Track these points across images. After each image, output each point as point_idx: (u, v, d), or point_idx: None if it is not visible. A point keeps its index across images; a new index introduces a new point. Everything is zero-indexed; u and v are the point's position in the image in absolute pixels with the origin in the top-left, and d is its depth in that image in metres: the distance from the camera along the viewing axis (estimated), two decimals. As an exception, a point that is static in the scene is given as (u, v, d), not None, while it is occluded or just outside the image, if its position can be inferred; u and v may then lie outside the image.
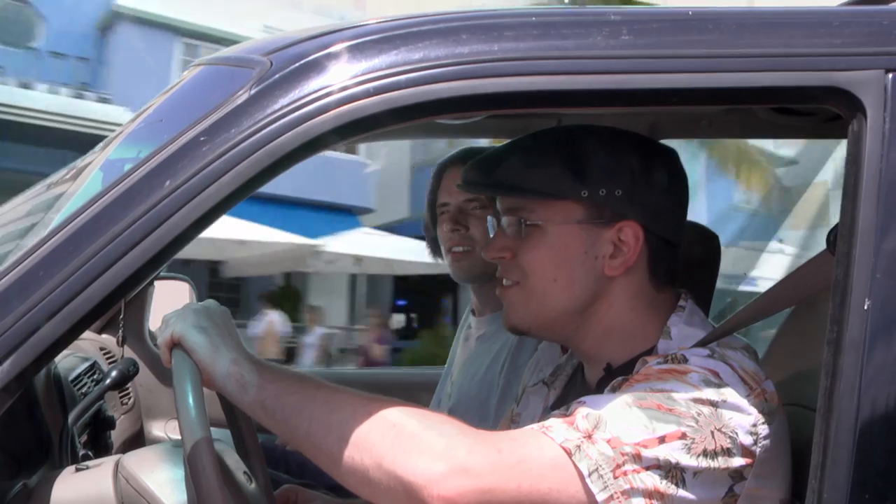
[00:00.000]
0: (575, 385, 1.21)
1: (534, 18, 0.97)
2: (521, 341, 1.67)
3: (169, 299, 2.35)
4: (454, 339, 1.98)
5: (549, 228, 1.08)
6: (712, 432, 0.91)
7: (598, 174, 1.06)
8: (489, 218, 1.13)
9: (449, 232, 1.80)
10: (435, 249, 1.90)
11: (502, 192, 1.13)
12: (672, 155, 1.14)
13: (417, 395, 1.71)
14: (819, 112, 1.36)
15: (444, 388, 1.88)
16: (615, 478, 0.88)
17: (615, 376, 1.03)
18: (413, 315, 16.68)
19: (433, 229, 1.87)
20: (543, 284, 1.09)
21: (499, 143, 1.38)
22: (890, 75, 0.93)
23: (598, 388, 1.07)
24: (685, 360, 0.98)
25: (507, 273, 1.13)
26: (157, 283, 2.35)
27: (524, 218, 1.09)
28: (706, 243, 1.58)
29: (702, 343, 1.03)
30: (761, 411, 0.94)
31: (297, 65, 0.94)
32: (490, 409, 1.65)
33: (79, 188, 1.09)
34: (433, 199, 1.85)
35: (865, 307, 0.90)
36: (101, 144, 1.26)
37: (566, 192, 1.07)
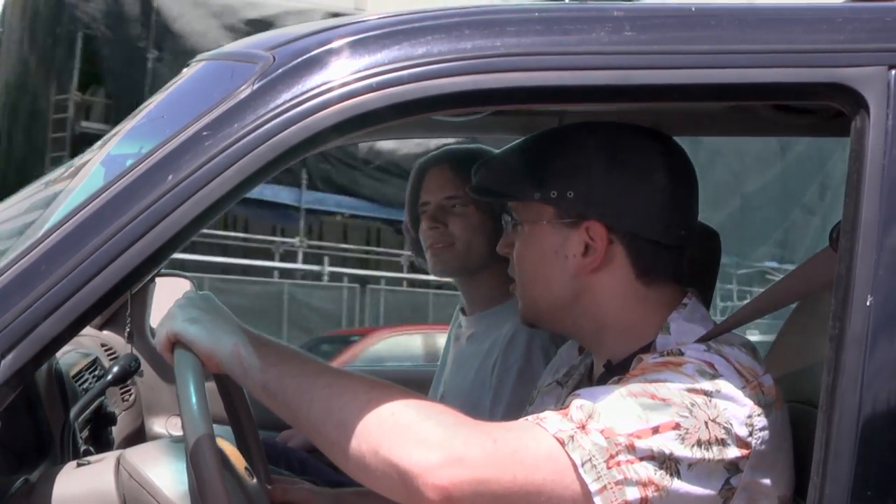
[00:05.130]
0: (584, 383, 1.21)
1: (536, 14, 0.97)
2: (511, 341, 1.67)
3: (170, 297, 2.34)
4: (446, 341, 1.98)
5: (526, 228, 1.13)
6: (706, 423, 0.91)
7: (550, 176, 1.09)
8: (505, 216, 1.17)
9: (428, 230, 1.80)
10: (417, 249, 1.90)
11: (482, 194, 1.22)
12: (657, 153, 1.12)
13: (415, 391, 1.71)
14: (821, 110, 1.36)
15: (438, 390, 1.88)
16: (608, 468, 0.88)
17: (615, 373, 1.03)
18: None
19: (414, 230, 1.87)
20: (527, 281, 1.14)
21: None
22: (893, 72, 0.93)
23: (600, 384, 1.07)
24: (681, 353, 0.98)
25: (511, 269, 1.18)
26: (158, 280, 2.35)
27: (511, 217, 1.15)
28: (706, 242, 1.57)
29: (701, 340, 1.03)
30: (757, 403, 0.95)
31: (300, 60, 0.95)
32: (484, 410, 1.64)
33: (79, 184, 1.09)
34: (414, 199, 1.84)
35: (868, 303, 0.90)
36: (99, 143, 1.26)
37: (523, 194, 1.12)
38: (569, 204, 1.08)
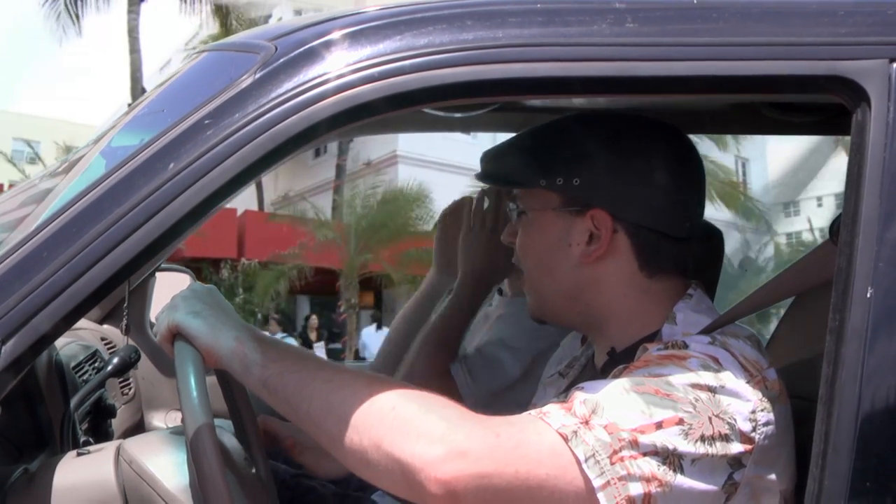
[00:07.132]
0: (586, 373, 1.21)
1: (538, 5, 0.97)
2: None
3: (170, 291, 2.33)
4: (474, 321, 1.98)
5: (531, 215, 1.13)
6: (710, 418, 0.90)
7: (555, 163, 1.10)
8: (510, 205, 1.20)
9: None
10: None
11: (488, 180, 1.23)
12: (663, 144, 1.13)
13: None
14: (822, 109, 1.36)
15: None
16: (612, 464, 0.88)
17: (619, 361, 1.03)
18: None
19: None
20: (531, 270, 1.15)
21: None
22: (894, 65, 0.93)
23: (604, 374, 1.07)
24: (685, 346, 0.98)
25: (515, 259, 1.19)
26: (158, 274, 2.35)
27: (515, 205, 1.16)
28: (708, 240, 1.58)
29: (706, 330, 1.02)
30: (761, 398, 0.94)
31: (302, 49, 0.95)
32: (501, 365, 1.65)
33: (79, 174, 1.09)
34: None
35: (868, 296, 0.89)
36: (94, 136, 1.26)
37: (528, 181, 1.12)
38: (574, 191, 1.09)
